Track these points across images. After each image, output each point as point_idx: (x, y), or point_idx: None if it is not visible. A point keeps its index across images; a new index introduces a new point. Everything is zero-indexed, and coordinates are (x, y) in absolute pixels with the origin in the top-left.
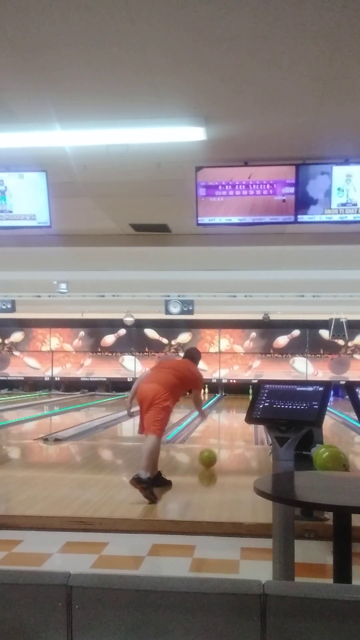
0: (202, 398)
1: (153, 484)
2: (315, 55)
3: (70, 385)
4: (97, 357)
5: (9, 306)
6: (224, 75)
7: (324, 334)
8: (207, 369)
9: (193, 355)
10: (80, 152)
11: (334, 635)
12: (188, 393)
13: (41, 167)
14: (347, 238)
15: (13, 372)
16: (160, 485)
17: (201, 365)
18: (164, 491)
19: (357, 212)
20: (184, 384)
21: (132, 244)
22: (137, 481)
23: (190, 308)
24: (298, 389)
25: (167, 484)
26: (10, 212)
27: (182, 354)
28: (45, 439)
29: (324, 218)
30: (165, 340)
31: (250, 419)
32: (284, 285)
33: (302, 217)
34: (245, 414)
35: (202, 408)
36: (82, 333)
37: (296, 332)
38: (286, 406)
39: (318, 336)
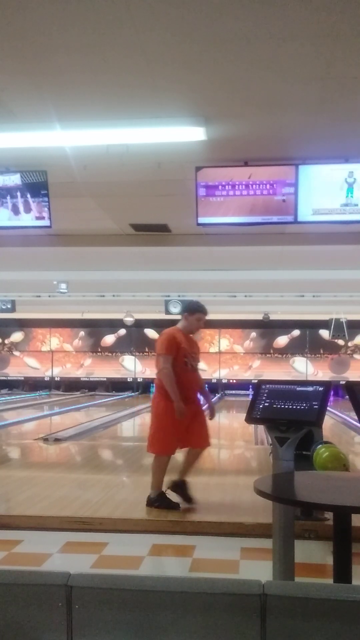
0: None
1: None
2: (314, 55)
3: (70, 385)
4: (97, 357)
5: (9, 306)
6: (223, 76)
7: (324, 334)
8: (207, 369)
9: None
10: (80, 152)
11: (334, 635)
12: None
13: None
14: (347, 238)
15: (13, 372)
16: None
17: (201, 365)
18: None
19: (358, 212)
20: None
21: (132, 244)
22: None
23: None
24: (298, 389)
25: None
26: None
27: None
28: (45, 439)
29: (324, 218)
30: None
31: (250, 419)
32: (284, 285)
33: (302, 217)
34: (245, 414)
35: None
36: (82, 333)
37: (296, 332)
38: (286, 406)
39: (318, 336)
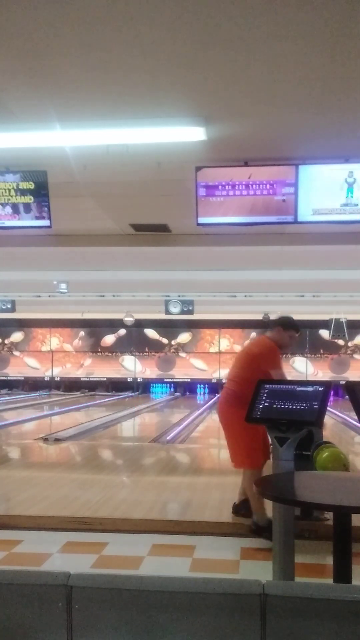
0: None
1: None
2: (315, 55)
3: (70, 385)
4: (97, 357)
5: (9, 306)
6: (224, 75)
7: (324, 334)
8: (207, 369)
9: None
10: (80, 152)
11: (334, 635)
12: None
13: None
14: (347, 238)
15: (13, 372)
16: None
17: (201, 365)
18: (164, 491)
19: (358, 212)
20: None
21: (132, 244)
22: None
23: (190, 308)
24: (298, 389)
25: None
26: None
27: (183, 354)
28: (45, 439)
29: (324, 218)
30: (165, 340)
31: (250, 419)
32: (284, 285)
33: (302, 217)
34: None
35: None
36: (82, 333)
37: None
38: (286, 406)
39: (318, 336)
